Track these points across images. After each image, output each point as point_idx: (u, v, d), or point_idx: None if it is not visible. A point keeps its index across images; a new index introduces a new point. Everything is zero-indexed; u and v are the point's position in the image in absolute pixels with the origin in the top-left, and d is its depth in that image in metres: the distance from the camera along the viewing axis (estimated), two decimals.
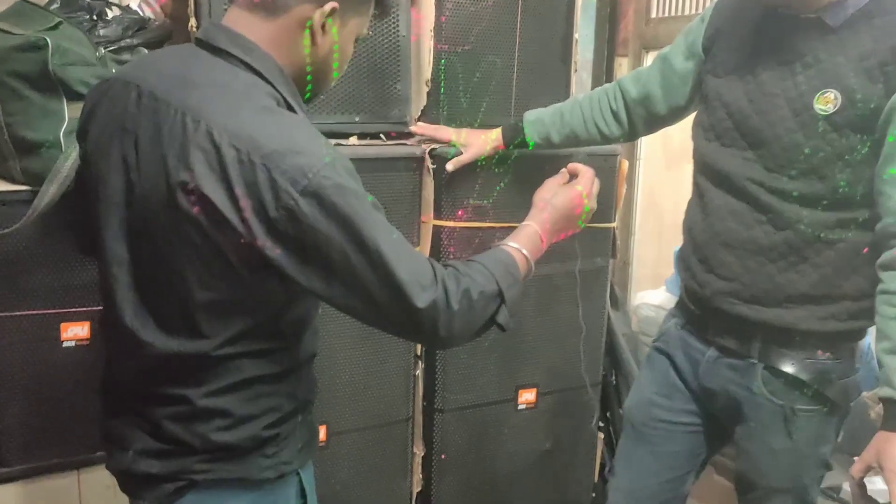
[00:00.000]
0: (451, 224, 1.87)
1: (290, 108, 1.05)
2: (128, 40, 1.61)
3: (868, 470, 1.32)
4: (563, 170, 1.39)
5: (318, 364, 1.68)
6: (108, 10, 1.67)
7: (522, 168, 1.89)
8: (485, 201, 1.89)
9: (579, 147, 1.79)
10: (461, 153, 1.79)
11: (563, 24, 2.07)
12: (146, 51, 1.65)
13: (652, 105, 1.62)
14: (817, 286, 1.39)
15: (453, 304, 1.03)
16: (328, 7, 1.03)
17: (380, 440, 1.91)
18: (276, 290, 1.03)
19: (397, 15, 1.83)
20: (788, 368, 1.43)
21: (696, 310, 1.54)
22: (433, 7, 1.88)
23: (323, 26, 1.05)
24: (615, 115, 1.68)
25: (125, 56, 1.60)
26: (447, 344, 1.09)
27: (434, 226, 1.88)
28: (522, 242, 1.21)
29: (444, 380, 1.93)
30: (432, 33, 1.90)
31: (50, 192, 1.47)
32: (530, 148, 1.75)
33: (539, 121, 1.73)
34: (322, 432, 1.81)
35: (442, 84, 1.91)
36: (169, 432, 1.06)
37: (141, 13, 1.95)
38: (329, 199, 0.94)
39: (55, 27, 1.51)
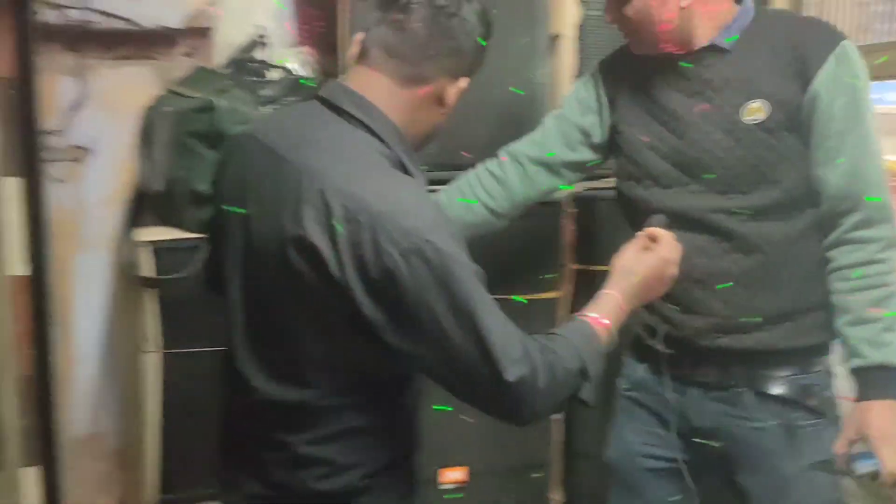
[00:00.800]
0: (594, 268, 1.87)
1: (405, 169, 1.08)
2: (287, 98, 1.74)
3: (851, 444, 1.33)
4: (641, 234, 1.34)
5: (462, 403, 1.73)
6: (272, 72, 1.81)
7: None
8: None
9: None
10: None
11: None
12: None
13: (553, 163, 1.57)
14: (793, 302, 1.40)
15: (540, 382, 1.00)
16: (463, 83, 1.09)
17: (517, 484, 1.91)
18: (376, 349, 1.02)
19: (535, 63, 1.88)
20: (776, 390, 1.42)
21: (670, 351, 1.49)
22: (574, 54, 1.92)
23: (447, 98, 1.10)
24: (502, 182, 1.58)
25: None
26: (528, 423, 1.06)
27: (575, 270, 1.89)
28: (605, 313, 1.18)
29: (584, 424, 1.91)
30: (571, 80, 1.93)
31: None
32: None
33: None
34: (464, 473, 1.85)
35: None
36: (275, 478, 1.10)
37: (302, 73, 2.11)
38: (429, 262, 0.95)
39: (225, 90, 1.65)
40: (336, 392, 1.07)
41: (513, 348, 0.99)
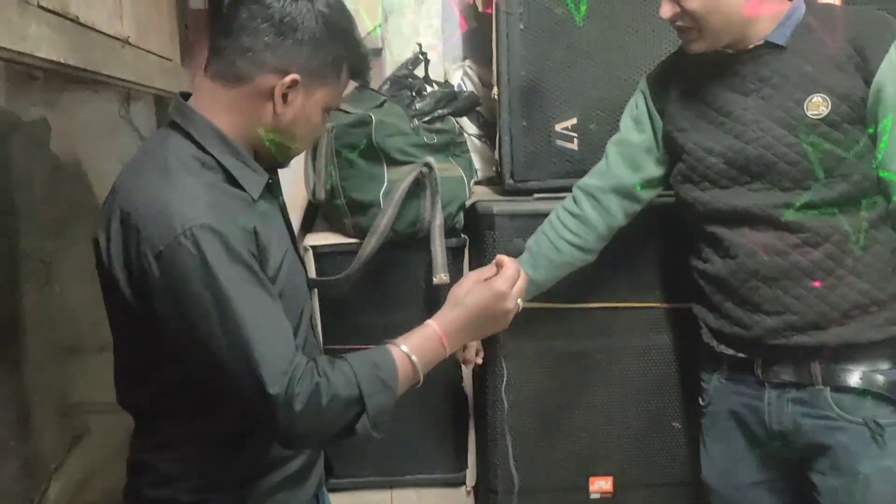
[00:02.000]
0: None
1: (224, 170, 1.05)
2: (439, 111, 1.83)
3: None
4: (494, 261, 1.25)
5: (609, 413, 1.72)
6: (426, 87, 1.91)
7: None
8: None
9: (557, 275, 1.63)
10: None
11: None
12: (453, 119, 1.86)
13: (623, 187, 1.57)
14: (867, 294, 1.37)
15: (296, 404, 0.96)
16: (289, 79, 1.05)
17: (665, 498, 1.85)
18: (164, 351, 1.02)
19: None
20: (856, 383, 1.38)
21: (741, 354, 1.48)
22: None
23: (285, 97, 1.06)
24: (581, 219, 1.59)
25: (437, 125, 1.82)
26: (296, 442, 1.03)
27: None
28: (413, 344, 1.10)
29: None
30: None
31: (371, 243, 1.72)
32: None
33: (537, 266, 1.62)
34: (609, 483, 1.83)
35: None
36: (127, 481, 1.14)
37: (463, 87, 2.21)
38: (181, 266, 0.94)
39: (380, 105, 1.78)
40: (154, 397, 1.08)
41: (276, 360, 0.97)
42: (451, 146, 1.84)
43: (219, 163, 1.06)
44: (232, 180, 1.07)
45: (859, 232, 1.37)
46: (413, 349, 1.10)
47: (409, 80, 1.92)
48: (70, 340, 1.70)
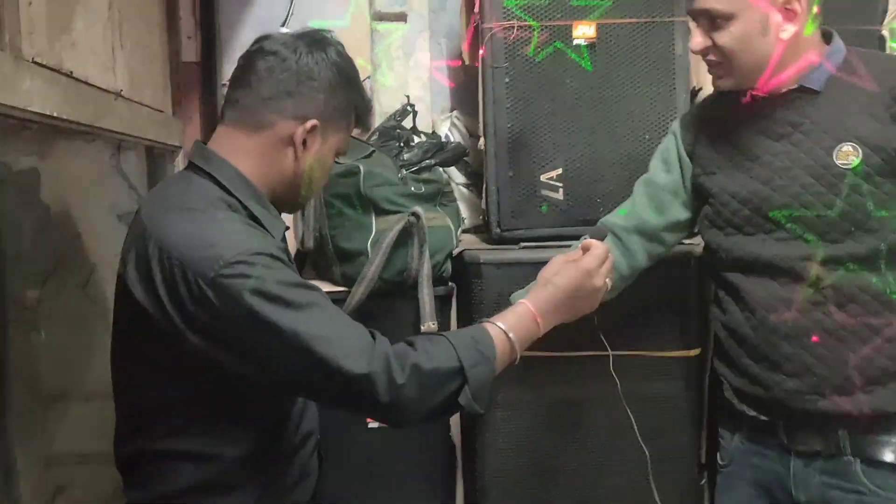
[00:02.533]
0: None
1: (250, 212, 1.10)
2: (427, 161, 1.86)
3: None
4: (578, 245, 1.28)
5: (600, 462, 1.71)
6: (414, 137, 1.95)
7: None
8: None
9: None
10: None
11: None
12: (441, 170, 1.89)
13: (647, 228, 1.52)
14: None
15: (397, 377, 1.00)
16: (309, 125, 1.11)
17: None
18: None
19: (675, 116, 1.85)
20: (889, 457, 1.29)
21: (762, 416, 1.39)
22: None
23: (304, 142, 1.12)
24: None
25: (424, 175, 1.85)
26: (401, 417, 1.05)
27: None
28: (509, 322, 1.14)
29: None
30: None
31: (359, 292, 1.73)
32: None
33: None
34: None
35: None
36: None
37: (450, 137, 2.25)
38: (234, 287, 0.98)
39: (369, 155, 1.81)
40: (164, 439, 1.10)
41: (347, 346, 1.00)
42: (439, 196, 1.86)
43: (243, 205, 1.11)
44: (256, 222, 1.12)
45: (891, 293, 1.29)
46: (509, 327, 1.14)
47: (398, 130, 1.95)
48: (55, 389, 1.69)
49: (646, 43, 1.84)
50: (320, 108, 1.14)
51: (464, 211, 2.10)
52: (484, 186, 1.90)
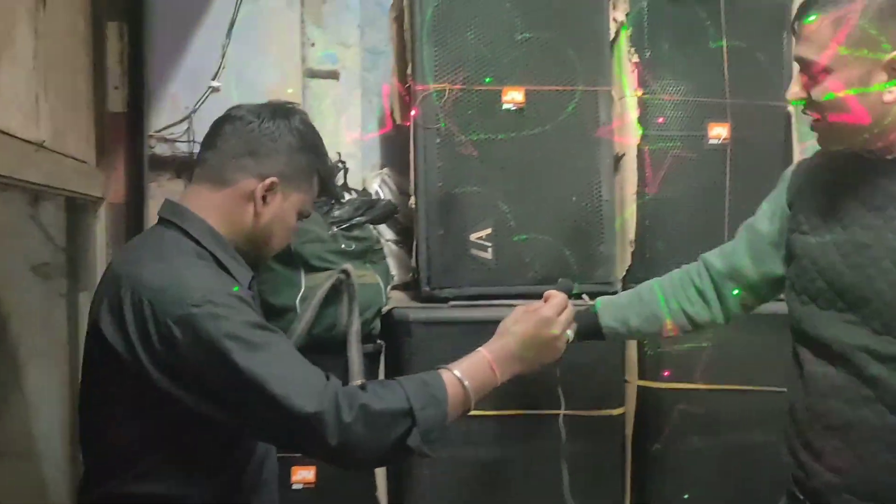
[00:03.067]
0: (655, 385, 1.83)
1: (219, 262, 1.16)
2: (357, 218, 1.87)
3: None
4: (543, 295, 1.31)
5: None
6: (345, 194, 1.95)
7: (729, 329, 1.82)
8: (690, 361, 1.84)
9: (662, 332, 1.50)
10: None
11: (781, 171, 2.03)
12: (371, 227, 1.89)
13: (742, 277, 1.42)
14: None
15: (345, 416, 1.02)
16: (268, 181, 1.18)
17: None
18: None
19: (600, 182, 1.93)
20: None
21: (807, 501, 1.30)
22: (636, 172, 1.96)
23: (264, 198, 1.18)
24: (701, 293, 1.46)
25: (355, 232, 1.85)
26: (349, 459, 1.05)
27: (638, 386, 1.86)
28: (463, 368, 1.15)
29: None
30: (635, 196, 1.96)
31: None
32: (603, 333, 1.50)
33: (613, 304, 1.53)
34: None
35: (646, 244, 1.95)
36: None
37: (381, 194, 2.26)
38: (199, 324, 1.02)
39: None
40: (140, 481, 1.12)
41: (304, 387, 1.03)
42: (369, 253, 1.87)
43: (213, 255, 1.16)
44: (224, 270, 1.17)
45: None
46: (463, 372, 1.14)
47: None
48: None
49: (572, 110, 1.91)
50: (280, 167, 1.20)
51: (393, 268, 2.10)
52: (414, 244, 1.92)
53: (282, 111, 1.24)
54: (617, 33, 1.98)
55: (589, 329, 1.49)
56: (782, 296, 1.46)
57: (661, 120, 1.97)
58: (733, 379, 1.82)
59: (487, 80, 1.87)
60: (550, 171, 1.91)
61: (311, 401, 1.02)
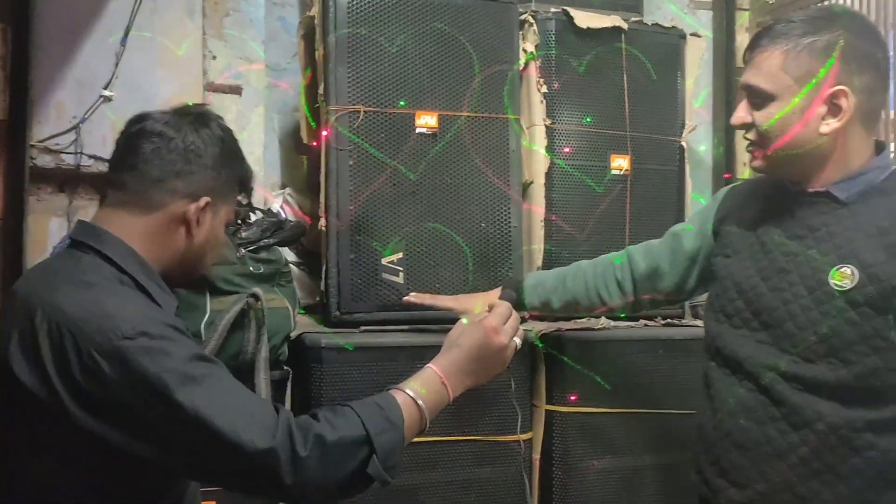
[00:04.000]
0: (563, 409, 1.86)
1: (142, 288, 1.07)
2: (266, 240, 1.79)
3: None
4: (489, 305, 1.29)
5: None
6: (251, 214, 1.88)
7: (635, 351, 1.89)
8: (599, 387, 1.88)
9: (578, 313, 1.68)
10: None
11: (675, 202, 2.15)
12: (279, 249, 1.83)
13: (659, 280, 1.54)
14: (846, 501, 1.19)
15: (300, 449, 0.96)
16: (203, 202, 1.11)
17: None
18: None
19: (509, 207, 1.96)
20: None
21: None
22: (543, 200, 2.01)
23: (198, 219, 1.12)
24: (620, 284, 1.59)
25: (262, 254, 1.78)
26: (305, 495, 0.99)
27: (546, 411, 1.88)
28: (415, 387, 1.11)
29: None
30: (542, 223, 2.01)
31: None
32: (526, 310, 1.67)
33: (540, 284, 1.66)
34: None
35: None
36: None
37: (282, 214, 2.19)
38: (132, 359, 0.94)
39: None
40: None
41: (253, 422, 0.96)
42: (277, 276, 1.80)
43: (136, 281, 1.07)
44: (148, 297, 1.08)
45: (853, 429, 1.19)
46: (416, 392, 1.10)
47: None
48: None
49: (483, 136, 1.94)
50: (210, 184, 1.13)
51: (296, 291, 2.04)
52: (324, 268, 1.87)
53: (200, 119, 1.15)
54: (527, 63, 2.02)
55: (511, 302, 1.51)
56: (685, 321, 1.57)
57: (567, 150, 2.03)
58: (639, 403, 1.87)
59: (401, 103, 1.86)
60: (461, 196, 1.92)
61: (262, 436, 0.95)
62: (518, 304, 1.63)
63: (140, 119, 1.14)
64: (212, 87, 2.19)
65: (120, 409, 0.95)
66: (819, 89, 1.21)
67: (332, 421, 1.01)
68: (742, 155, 2.58)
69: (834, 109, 1.21)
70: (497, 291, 1.68)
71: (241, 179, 1.21)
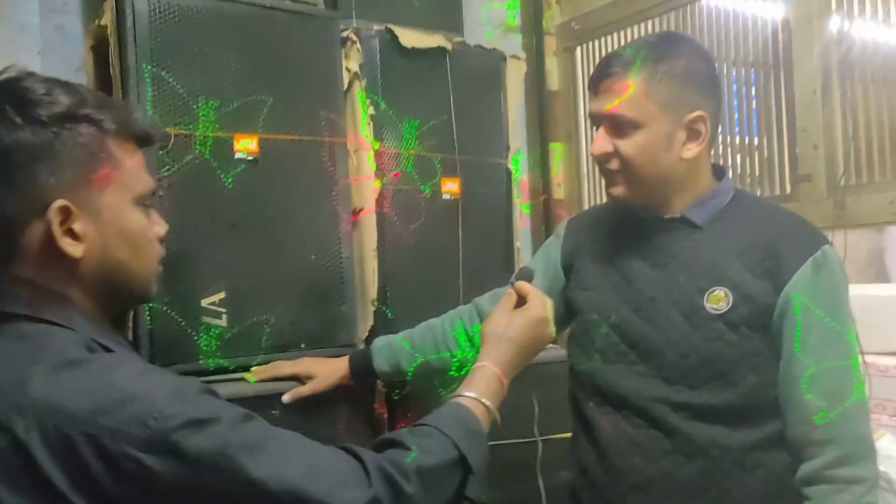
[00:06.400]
0: None
1: (105, 349, 0.87)
2: None
3: None
4: (510, 291, 1.21)
5: None
6: None
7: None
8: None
9: (432, 379, 1.56)
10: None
11: (505, 225, 2.13)
12: None
13: None
14: None
15: (406, 488, 0.86)
16: (52, 214, 0.84)
17: None
18: None
19: (339, 238, 1.82)
20: None
21: None
22: (375, 227, 1.89)
23: (71, 232, 0.86)
24: (471, 339, 1.51)
25: None
26: None
27: None
28: (480, 389, 1.06)
29: None
30: (375, 253, 1.89)
31: None
32: (377, 374, 1.58)
33: (388, 346, 1.58)
34: None
35: (388, 301, 1.88)
36: None
37: None
38: (183, 441, 0.77)
39: None
40: None
41: (343, 475, 0.85)
42: None
43: (100, 344, 0.85)
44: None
45: (743, 450, 1.19)
46: (482, 394, 1.05)
47: None
48: None
49: (308, 161, 1.79)
50: (51, 181, 0.87)
51: None
52: (131, 314, 1.62)
53: (15, 101, 0.84)
54: (350, 84, 1.90)
55: (363, 368, 1.58)
56: None
57: (396, 175, 1.94)
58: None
59: (217, 126, 1.66)
60: (287, 227, 1.75)
61: (359, 489, 0.83)
62: (366, 368, 1.59)
63: None
64: None
65: (189, 495, 0.78)
66: (680, 115, 1.22)
67: (424, 445, 0.92)
68: (563, 177, 2.65)
69: (693, 134, 1.23)
70: (344, 359, 1.61)
71: (113, 132, 0.89)
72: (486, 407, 1.05)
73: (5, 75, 0.89)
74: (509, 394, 1.69)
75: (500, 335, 1.14)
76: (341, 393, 1.65)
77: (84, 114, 0.88)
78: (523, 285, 1.21)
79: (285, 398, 1.57)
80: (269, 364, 1.64)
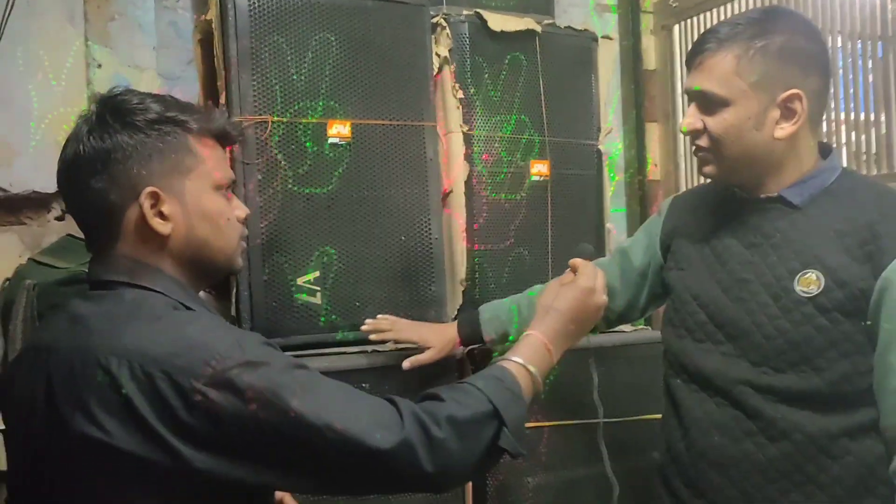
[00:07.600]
0: None
1: (188, 309, 1.01)
2: None
3: None
4: (569, 267, 1.24)
5: None
6: None
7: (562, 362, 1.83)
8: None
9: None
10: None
11: (595, 206, 2.13)
12: None
13: (610, 299, 1.40)
14: None
15: (436, 433, 0.93)
16: (143, 198, 0.99)
17: None
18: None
19: (429, 218, 1.87)
20: None
21: None
22: (464, 209, 1.93)
23: (161, 214, 1.00)
24: None
25: None
26: (447, 480, 0.98)
27: None
28: (524, 355, 1.10)
29: None
30: (464, 234, 1.93)
31: None
32: (486, 342, 1.61)
33: (495, 317, 1.60)
34: None
35: (477, 282, 1.92)
36: None
37: None
38: (239, 379, 0.89)
39: None
40: None
41: (377, 417, 0.93)
42: None
43: (185, 307, 1.00)
44: None
45: (830, 438, 1.16)
46: (527, 360, 1.10)
47: None
48: None
49: (399, 145, 1.84)
50: (141, 171, 1.01)
51: None
52: (234, 291, 1.73)
53: (114, 111, 1.00)
54: (441, 68, 1.94)
55: (473, 337, 1.62)
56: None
57: (486, 157, 1.96)
58: (569, 414, 1.81)
59: (312, 112, 1.74)
60: (379, 209, 1.82)
61: (391, 430, 0.92)
62: (476, 337, 1.62)
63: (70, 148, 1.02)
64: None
65: (240, 439, 0.89)
66: (774, 93, 1.19)
67: (458, 399, 0.99)
68: (658, 157, 2.60)
69: (787, 113, 1.19)
70: (453, 327, 1.65)
71: (205, 132, 1.05)
72: (529, 372, 1.09)
73: (108, 93, 1.06)
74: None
75: (547, 306, 1.19)
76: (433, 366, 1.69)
77: (170, 116, 1.03)
78: (576, 260, 1.24)
79: (405, 364, 1.61)
80: (390, 320, 1.68)
